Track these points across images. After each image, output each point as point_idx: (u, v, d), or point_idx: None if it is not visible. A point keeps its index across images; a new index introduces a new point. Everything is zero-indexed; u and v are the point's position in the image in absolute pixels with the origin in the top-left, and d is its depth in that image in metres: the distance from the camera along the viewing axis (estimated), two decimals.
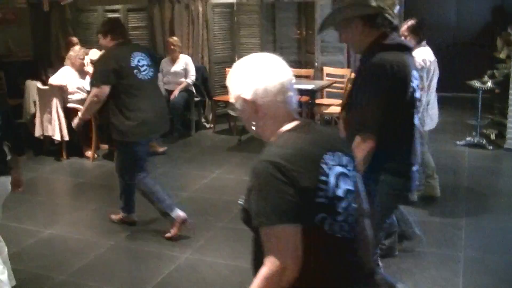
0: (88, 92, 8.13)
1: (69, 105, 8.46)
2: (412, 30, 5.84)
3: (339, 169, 2.18)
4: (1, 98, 8.86)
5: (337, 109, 7.83)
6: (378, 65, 3.23)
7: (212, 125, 10.14)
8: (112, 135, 5.69)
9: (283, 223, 2.03)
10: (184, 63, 9.43)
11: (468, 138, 8.64)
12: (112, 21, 6.03)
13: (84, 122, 6.10)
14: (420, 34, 5.92)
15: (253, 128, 2.30)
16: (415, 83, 3.32)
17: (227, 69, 9.33)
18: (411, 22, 5.92)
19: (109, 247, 5.43)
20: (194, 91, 9.64)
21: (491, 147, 8.43)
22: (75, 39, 9.51)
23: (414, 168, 3.38)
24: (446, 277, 4.68)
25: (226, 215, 6.00)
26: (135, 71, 5.49)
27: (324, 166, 2.14)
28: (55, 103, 8.34)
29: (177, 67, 9.41)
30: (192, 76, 9.43)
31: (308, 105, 8.66)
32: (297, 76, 8.99)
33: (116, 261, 5.19)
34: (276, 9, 10.24)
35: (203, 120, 10.30)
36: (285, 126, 2.24)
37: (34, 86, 8.89)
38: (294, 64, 9.96)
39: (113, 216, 6.00)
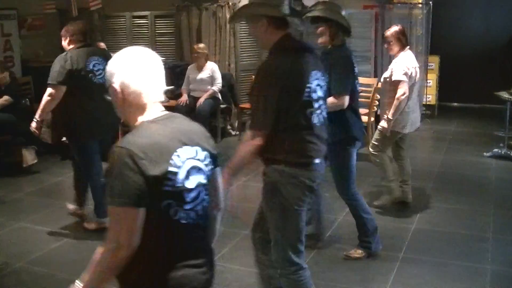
0: None
1: None
2: (396, 36, 6.05)
3: (192, 162, 2.39)
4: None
5: (365, 118, 7.80)
6: (270, 65, 3.49)
7: (238, 132, 10.15)
8: (65, 134, 5.95)
9: (125, 206, 2.23)
10: (211, 70, 9.43)
11: (496, 150, 8.57)
12: (74, 25, 6.15)
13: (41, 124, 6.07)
14: (403, 40, 6.12)
15: (122, 115, 2.49)
16: (314, 83, 3.52)
17: (253, 76, 9.33)
18: (395, 28, 6.14)
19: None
20: (220, 98, 9.65)
21: None
22: (102, 45, 9.56)
23: (316, 160, 3.56)
24: None
25: (251, 223, 5.98)
26: (90, 74, 5.72)
27: (176, 158, 2.33)
28: None
29: (204, 74, 9.42)
30: (218, 84, 9.43)
31: None
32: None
33: None
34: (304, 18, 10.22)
35: (229, 127, 10.32)
36: (147, 116, 2.41)
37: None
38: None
39: (70, 206, 6.24)
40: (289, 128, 3.46)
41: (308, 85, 3.47)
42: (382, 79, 6.36)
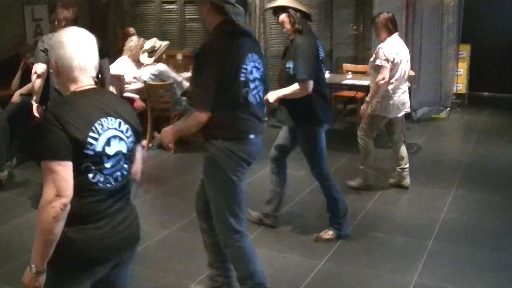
0: (144, 82, 8.23)
1: (126, 94, 8.53)
2: (384, 22, 6.22)
3: (114, 132, 2.64)
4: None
5: None
6: (208, 47, 3.80)
7: (267, 118, 10.11)
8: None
9: (58, 159, 2.46)
10: None
11: None
12: (64, 11, 6.30)
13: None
14: (390, 27, 6.26)
15: (59, 86, 2.79)
16: (250, 65, 3.77)
17: None
18: (384, 14, 6.28)
19: (163, 236, 5.47)
20: None
21: None
22: (131, 30, 9.59)
23: (251, 136, 3.81)
24: (502, 280, 4.59)
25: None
26: None
27: (98, 126, 2.57)
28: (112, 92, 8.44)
29: None
30: None
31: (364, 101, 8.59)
32: (354, 72, 8.94)
33: (169, 251, 5.23)
34: (334, 5, 10.17)
35: None
36: (76, 87, 2.66)
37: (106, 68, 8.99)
38: (351, 59, 9.91)
39: None
40: (227, 106, 3.71)
41: (244, 66, 3.73)
42: (368, 67, 6.54)
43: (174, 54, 9.92)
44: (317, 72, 5.03)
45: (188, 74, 9.60)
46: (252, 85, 3.78)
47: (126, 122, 2.72)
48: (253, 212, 5.60)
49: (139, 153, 2.96)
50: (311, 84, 4.92)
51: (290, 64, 4.97)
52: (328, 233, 5.30)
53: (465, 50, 11.15)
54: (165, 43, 8.80)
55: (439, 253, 5.07)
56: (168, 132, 3.91)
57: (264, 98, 4.18)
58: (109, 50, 6.29)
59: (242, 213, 3.96)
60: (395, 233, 5.50)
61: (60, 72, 2.68)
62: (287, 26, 5.01)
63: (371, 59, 6.34)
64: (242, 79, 3.72)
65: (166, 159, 7.41)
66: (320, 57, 5.07)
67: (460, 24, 10.51)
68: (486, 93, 12.36)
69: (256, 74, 3.82)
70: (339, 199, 5.29)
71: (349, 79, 8.58)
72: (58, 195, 2.43)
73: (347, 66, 9.52)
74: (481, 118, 10.45)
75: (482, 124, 10.02)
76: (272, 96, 5.01)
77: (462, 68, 11.14)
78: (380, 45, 6.22)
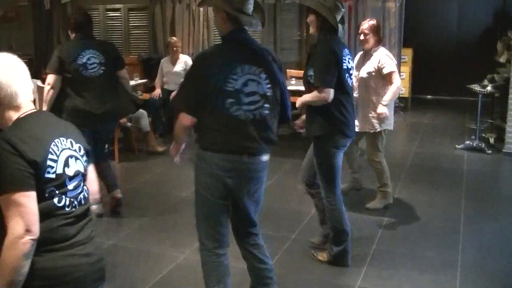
0: None
1: None
2: (373, 29, 5.90)
3: (69, 152, 2.53)
4: None
5: None
6: (201, 53, 4.05)
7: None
8: None
9: (21, 190, 2.28)
10: (184, 63, 9.44)
11: (468, 142, 8.67)
12: (74, 16, 6.36)
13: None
14: (379, 34, 6.03)
15: None
16: (244, 77, 3.60)
17: None
18: (371, 22, 5.98)
19: (108, 246, 5.43)
20: None
21: (490, 151, 8.46)
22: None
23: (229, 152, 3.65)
24: (444, 280, 4.68)
25: None
26: (80, 68, 5.81)
27: (54, 147, 2.45)
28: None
29: (178, 67, 9.42)
30: None
31: None
32: (298, 78, 9.00)
33: (115, 260, 5.18)
34: (278, 10, 10.25)
35: None
36: (20, 114, 2.47)
37: (34, 84, 8.86)
38: (295, 65, 9.98)
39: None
40: (210, 114, 3.57)
41: (233, 76, 3.56)
42: (363, 75, 6.00)
43: None
44: (340, 82, 4.70)
45: (132, 82, 9.58)
46: (245, 99, 3.59)
47: (77, 141, 2.62)
48: (315, 238, 5.39)
49: (92, 173, 2.83)
50: (330, 92, 4.61)
51: (310, 72, 4.73)
52: (323, 256, 5.06)
53: (407, 54, 11.36)
54: None
55: (383, 256, 5.15)
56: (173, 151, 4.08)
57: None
58: (123, 61, 6.26)
59: (219, 233, 3.89)
60: None
61: (1, 103, 2.46)
62: (312, 28, 4.83)
63: (368, 70, 5.94)
64: (228, 89, 3.54)
65: (126, 168, 7.36)
66: (345, 67, 4.73)
67: (401, 28, 10.70)
68: (428, 96, 12.61)
69: (254, 88, 3.61)
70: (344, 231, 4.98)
71: (292, 85, 8.51)
72: (28, 230, 2.26)
73: (291, 71, 9.54)
74: (424, 120, 10.67)
75: (424, 126, 10.24)
76: (298, 101, 4.84)
77: (405, 72, 11.34)
78: (379, 53, 5.92)
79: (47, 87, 5.82)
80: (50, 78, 5.80)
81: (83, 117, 5.79)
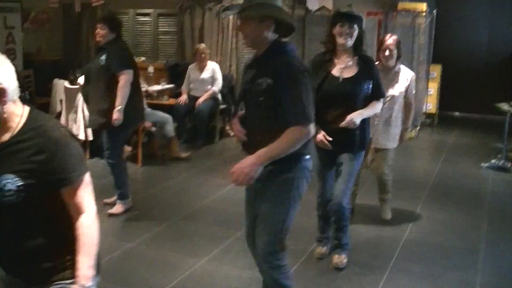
0: None
1: None
2: (398, 45, 5.80)
3: None
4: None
5: None
6: (298, 63, 3.60)
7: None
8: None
9: (87, 171, 2.48)
10: (212, 70, 9.46)
11: (493, 161, 8.56)
12: (115, 17, 6.49)
13: None
14: (401, 50, 5.92)
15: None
16: None
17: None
18: (394, 37, 5.87)
19: (124, 250, 5.44)
20: (220, 98, 9.66)
21: None
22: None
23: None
24: None
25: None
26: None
27: None
28: (81, 103, 8.39)
29: (205, 74, 9.44)
30: (218, 84, 9.46)
31: None
32: None
33: (129, 265, 5.19)
34: (306, 23, 10.24)
35: (227, 128, 10.31)
36: (22, 107, 2.44)
37: (61, 85, 8.96)
38: None
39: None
40: None
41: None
42: (395, 93, 5.88)
43: (146, 66, 9.92)
44: None
45: (159, 87, 9.63)
46: None
47: None
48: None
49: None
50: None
51: (368, 85, 4.77)
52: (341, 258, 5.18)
53: (435, 71, 11.28)
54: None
55: (400, 272, 5.09)
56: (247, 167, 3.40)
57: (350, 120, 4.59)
58: None
59: None
60: (358, 250, 5.50)
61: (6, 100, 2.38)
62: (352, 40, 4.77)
63: (400, 90, 5.88)
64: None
65: (132, 173, 7.38)
66: None
67: (431, 44, 10.64)
68: (456, 113, 12.50)
69: None
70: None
71: None
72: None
73: None
74: (450, 138, 10.56)
75: (450, 144, 10.13)
76: (356, 115, 4.70)
77: (433, 88, 11.26)
78: (406, 72, 5.92)
79: (125, 83, 5.98)
80: (129, 73, 6.03)
81: (140, 113, 6.44)
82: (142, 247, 5.55)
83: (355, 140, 4.80)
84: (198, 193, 7.14)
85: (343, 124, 4.64)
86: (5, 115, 2.36)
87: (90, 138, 8.46)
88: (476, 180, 7.98)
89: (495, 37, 12.27)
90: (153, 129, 8.54)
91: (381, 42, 5.87)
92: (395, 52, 5.78)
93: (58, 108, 8.99)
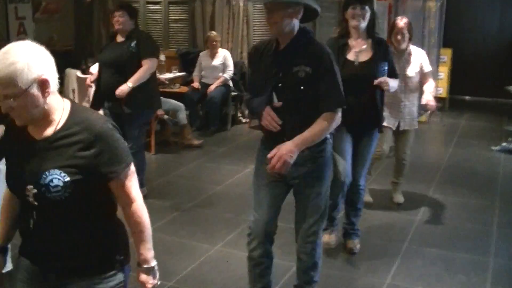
0: None
1: None
2: (409, 28, 5.82)
3: None
4: None
5: None
6: (328, 51, 3.68)
7: (248, 120, 10.21)
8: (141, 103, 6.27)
9: (132, 162, 2.52)
10: (223, 57, 9.51)
11: (504, 144, 8.57)
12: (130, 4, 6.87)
13: None
14: (412, 32, 5.92)
15: (36, 107, 2.30)
16: None
17: None
18: (405, 19, 5.88)
19: None
20: (232, 85, 9.71)
21: None
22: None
23: None
24: (475, 282, 4.68)
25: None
26: None
27: None
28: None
29: (216, 61, 9.50)
30: (230, 71, 9.51)
31: None
32: None
33: None
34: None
35: (239, 114, 10.37)
36: (62, 100, 2.43)
37: (73, 74, 9.05)
38: None
39: None
40: None
41: None
42: (411, 74, 5.92)
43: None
44: None
45: (170, 75, 9.67)
46: None
47: None
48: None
49: None
50: None
51: (385, 66, 4.85)
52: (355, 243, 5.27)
53: (446, 55, 11.27)
54: None
55: (413, 255, 5.16)
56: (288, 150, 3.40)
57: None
58: None
59: None
60: (371, 234, 5.58)
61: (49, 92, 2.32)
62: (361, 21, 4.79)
63: (416, 70, 5.92)
64: None
65: (146, 161, 7.45)
66: None
67: (441, 28, 10.62)
68: (467, 97, 12.51)
69: None
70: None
71: None
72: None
73: None
74: (461, 121, 10.58)
75: (461, 127, 10.15)
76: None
77: (443, 72, 11.25)
78: (418, 52, 5.97)
79: (148, 69, 6.18)
80: (155, 62, 6.32)
81: (158, 99, 6.68)
82: (158, 234, 5.57)
83: (377, 120, 4.92)
84: (211, 179, 7.21)
85: (376, 82, 4.71)
86: (47, 108, 2.32)
87: None
88: (487, 163, 8.01)
89: (505, 20, 12.24)
90: (166, 117, 8.60)
91: (392, 26, 5.89)
92: (407, 35, 5.81)
93: (71, 97, 9.06)
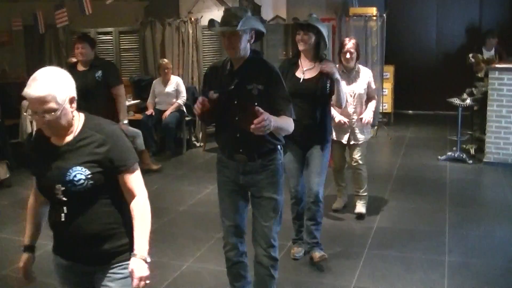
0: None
1: None
2: (357, 48, 6.27)
3: None
4: None
5: None
6: (276, 67, 4.12)
7: (202, 144, 10.48)
8: None
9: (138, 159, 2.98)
10: (176, 84, 9.74)
11: (449, 153, 9.03)
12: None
13: None
14: (359, 52, 6.39)
15: (66, 119, 2.80)
16: None
17: None
18: (353, 40, 6.32)
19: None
20: (185, 110, 9.94)
21: (471, 161, 8.85)
22: (74, 60, 9.71)
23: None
24: (433, 279, 5.01)
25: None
26: None
27: None
28: None
29: (169, 88, 9.72)
30: (183, 97, 9.75)
31: None
32: None
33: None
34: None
35: (193, 138, 10.62)
36: (77, 112, 2.92)
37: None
38: None
39: None
40: None
41: None
42: (360, 91, 6.33)
43: None
44: None
45: (126, 103, 9.83)
46: None
47: None
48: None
49: None
50: None
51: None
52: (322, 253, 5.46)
53: (389, 71, 11.74)
54: None
55: (374, 259, 5.49)
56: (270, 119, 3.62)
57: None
58: None
59: None
60: (335, 243, 5.88)
61: (74, 102, 2.84)
62: (305, 46, 5.24)
63: (364, 87, 6.33)
64: None
65: None
66: None
67: (383, 46, 11.08)
68: (410, 111, 12.99)
69: None
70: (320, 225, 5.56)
71: None
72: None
73: None
74: (406, 134, 11.04)
75: (407, 139, 10.62)
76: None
77: (387, 88, 11.71)
78: (365, 71, 6.38)
79: (123, 96, 6.87)
80: (123, 87, 6.87)
81: None
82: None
83: (322, 134, 5.34)
84: (174, 200, 7.43)
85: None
86: (71, 119, 2.83)
87: None
88: (435, 171, 8.46)
89: (443, 35, 12.82)
90: None
91: (341, 46, 6.34)
92: (354, 54, 6.23)
93: (29, 129, 9.15)
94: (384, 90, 11.46)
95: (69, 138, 2.85)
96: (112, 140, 2.85)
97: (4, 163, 8.35)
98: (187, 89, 9.99)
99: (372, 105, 6.43)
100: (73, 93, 2.81)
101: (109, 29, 10.91)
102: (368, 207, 6.76)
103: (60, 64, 10.47)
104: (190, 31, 10.52)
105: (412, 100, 12.77)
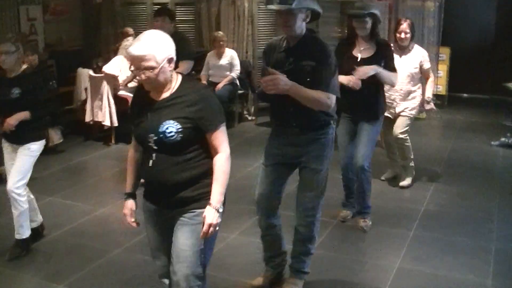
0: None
1: (120, 93, 8.83)
2: (412, 28, 6.45)
3: None
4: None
5: None
6: (329, 48, 4.17)
7: (254, 117, 10.52)
8: None
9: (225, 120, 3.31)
10: (230, 57, 9.76)
11: (503, 139, 8.87)
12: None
13: None
14: (414, 31, 6.56)
15: (164, 77, 3.14)
16: None
17: None
18: (408, 20, 6.49)
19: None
20: (238, 84, 9.98)
21: None
22: (130, 30, 9.78)
23: None
24: (478, 265, 4.99)
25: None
26: None
27: None
28: (107, 90, 8.73)
29: (223, 61, 9.75)
30: (237, 70, 9.77)
31: None
32: None
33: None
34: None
35: (245, 112, 10.67)
36: (175, 73, 3.28)
37: (86, 74, 9.27)
38: None
39: None
40: None
41: None
42: (411, 69, 6.51)
43: None
44: None
45: None
46: None
47: None
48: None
49: None
50: None
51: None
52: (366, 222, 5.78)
53: (445, 53, 11.53)
54: None
55: (420, 241, 5.48)
56: (285, 82, 3.86)
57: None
58: None
59: None
60: (381, 223, 5.88)
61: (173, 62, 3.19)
62: (365, 32, 5.47)
63: (415, 66, 6.52)
64: None
65: None
66: None
67: (440, 27, 10.89)
68: (465, 95, 12.77)
69: None
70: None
71: None
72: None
73: None
74: (460, 117, 10.87)
75: (460, 123, 10.46)
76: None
77: (442, 70, 11.53)
78: (418, 51, 6.56)
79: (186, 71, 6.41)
80: (191, 64, 6.57)
81: None
82: None
83: (372, 109, 5.57)
84: None
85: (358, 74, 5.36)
86: (169, 78, 3.18)
87: (115, 124, 8.81)
88: (487, 157, 8.33)
89: (502, 18, 12.50)
90: None
91: (397, 26, 6.53)
92: (409, 34, 6.40)
93: (83, 96, 9.32)
94: (439, 72, 11.29)
95: (166, 94, 3.20)
96: (204, 101, 3.15)
97: (58, 129, 8.55)
98: (241, 63, 10.01)
99: (429, 85, 6.66)
100: (172, 54, 3.14)
101: (165, 0, 10.96)
102: (416, 189, 6.74)
103: (115, 35, 10.68)
104: (246, 5, 10.51)
105: (467, 83, 12.53)
